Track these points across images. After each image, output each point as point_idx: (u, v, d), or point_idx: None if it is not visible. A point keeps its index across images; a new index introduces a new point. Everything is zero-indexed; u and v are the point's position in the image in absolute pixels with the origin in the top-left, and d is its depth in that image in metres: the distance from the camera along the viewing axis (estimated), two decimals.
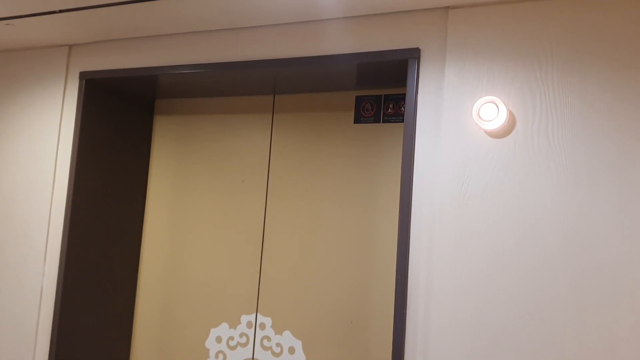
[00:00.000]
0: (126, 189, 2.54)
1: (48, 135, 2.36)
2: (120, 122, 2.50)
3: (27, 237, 2.34)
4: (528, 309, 1.54)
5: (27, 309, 2.30)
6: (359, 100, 2.24)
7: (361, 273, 2.15)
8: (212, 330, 2.40)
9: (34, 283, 2.30)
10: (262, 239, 2.35)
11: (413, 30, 1.80)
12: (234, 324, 2.37)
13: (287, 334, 2.25)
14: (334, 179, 2.24)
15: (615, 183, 1.50)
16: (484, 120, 1.61)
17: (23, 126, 2.43)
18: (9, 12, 2.06)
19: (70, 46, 2.39)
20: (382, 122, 2.19)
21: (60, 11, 2.02)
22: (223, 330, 2.38)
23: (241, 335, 2.35)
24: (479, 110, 1.62)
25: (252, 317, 2.33)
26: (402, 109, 2.17)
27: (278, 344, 2.27)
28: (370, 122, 2.21)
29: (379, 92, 2.22)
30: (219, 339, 2.39)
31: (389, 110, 2.19)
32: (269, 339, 2.29)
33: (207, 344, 2.41)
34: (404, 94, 2.16)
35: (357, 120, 2.23)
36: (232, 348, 2.36)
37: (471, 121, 1.67)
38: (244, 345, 2.34)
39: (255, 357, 2.32)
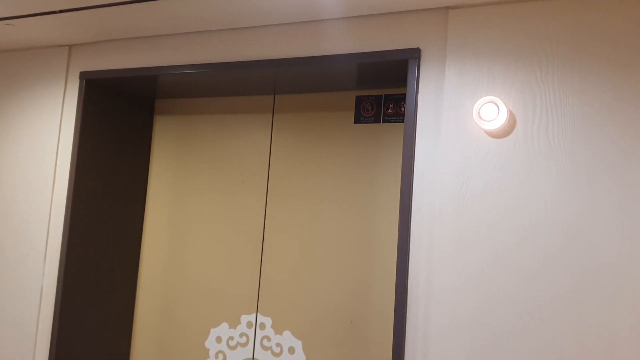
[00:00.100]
0: (126, 189, 2.54)
1: (48, 135, 2.36)
2: (120, 122, 2.50)
3: (27, 237, 2.34)
4: (528, 309, 1.54)
5: (27, 309, 2.30)
6: (359, 100, 2.24)
7: (361, 273, 2.15)
8: (212, 330, 2.40)
9: (34, 283, 2.30)
10: (262, 239, 2.35)
11: (413, 30, 1.80)
12: (234, 324, 2.37)
13: (287, 334, 2.25)
14: (334, 179, 2.24)
15: (615, 183, 1.50)
16: (484, 121, 1.61)
17: (23, 126, 2.43)
18: (9, 12, 2.06)
19: (71, 46, 2.39)
20: (383, 122, 2.19)
21: (61, 11, 2.02)
22: (223, 330, 2.38)
23: (241, 335, 2.35)
24: (479, 110, 1.62)
25: (252, 317, 2.33)
26: (403, 109, 2.17)
27: (278, 344, 2.27)
28: (371, 122, 2.21)
29: (379, 92, 2.22)
30: (219, 339, 2.39)
31: (389, 110, 2.19)
32: (269, 339, 2.29)
33: (207, 344, 2.41)
34: (404, 94, 2.16)
35: (358, 120, 2.24)
36: (232, 348, 2.36)
37: (471, 121, 1.67)
38: (244, 345, 2.34)
39: (255, 357, 2.32)
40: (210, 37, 2.12)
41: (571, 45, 1.59)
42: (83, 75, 2.32)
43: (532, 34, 1.63)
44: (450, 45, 1.73)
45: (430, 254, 1.68)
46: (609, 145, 1.52)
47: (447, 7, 1.76)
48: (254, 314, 2.33)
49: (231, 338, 2.36)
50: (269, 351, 2.29)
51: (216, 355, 2.38)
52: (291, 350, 2.24)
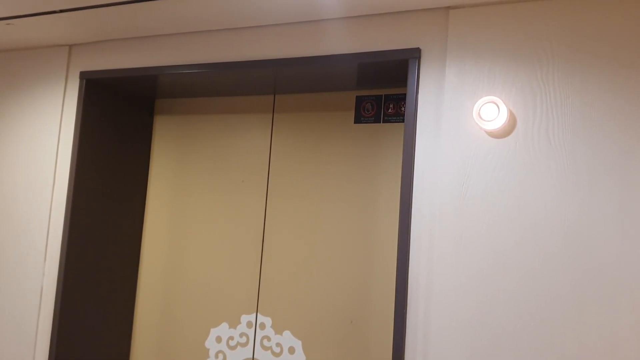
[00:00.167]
0: (126, 189, 2.54)
1: (48, 135, 2.36)
2: (120, 122, 2.50)
3: (27, 237, 2.34)
4: (528, 309, 1.54)
5: (27, 309, 2.29)
6: (359, 100, 2.24)
7: (361, 273, 2.15)
8: (212, 330, 2.40)
9: (34, 283, 2.29)
10: (262, 239, 2.35)
11: (413, 30, 1.80)
12: (234, 324, 2.37)
13: (287, 334, 2.25)
14: (334, 179, 2.24)
15: (616, 183, 1.50)
16: (484, 120, 1.61)
17: (23, 126, 2.43)
18: (9, 12, 2.06)
19: (71, 46, 2.39)
20: (383, 122, 2.19)
21: (61, 11, 2.02)
22: (223, 330, 2.38)
23: (241, 335, 2.35)
24: (479, 110, 1.62)
25: (252, 317, 2.33)
26: (403, 109, 2.17)
27: (278, 344, 2.27)
28: (371, 122, 2.21)
29: (379, 92, 2.22)
30: (219, 339, 2.39)
31: (390, 110, 2.19)
32: (269, 338, 2.29)
33: (207, 343, 2.41)
34: (405, 94, 2.16)
35: (358, 120, 2.23)
36: (232, 348, 2.36)
37: (472, 121, 1.67)
38: (244, 345, 2.34)
39: (255, 357, 2.32)
40: (210, 37, 2.12)
41: (572, 45, 1.59)
42: (83, 75, 2.32)
43: (533, 34, 1.63)
44: (450, 45, 1.73)
45: (431, 254, 1.68)
46: (610, 145, 1.52)
47: (448, 7, 1.76)
48: (254, 314, 2.33)
49: (231, 338, 2.36)
50: (269, 351, 2.28)
51: (216, 355, 2.38)
52: (291, 350, 2.24)
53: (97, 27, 2.17)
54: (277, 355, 2.27)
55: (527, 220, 1.57)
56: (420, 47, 1.78)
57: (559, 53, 1.60)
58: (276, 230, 2.33)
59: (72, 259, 2.27)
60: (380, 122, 2.20)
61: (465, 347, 1.60)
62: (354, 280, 2.16)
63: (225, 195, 2.45)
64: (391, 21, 1.84)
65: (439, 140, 1.71)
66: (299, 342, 2.23)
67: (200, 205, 2.50)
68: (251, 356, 2.32)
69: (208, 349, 2.40)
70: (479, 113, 1.62)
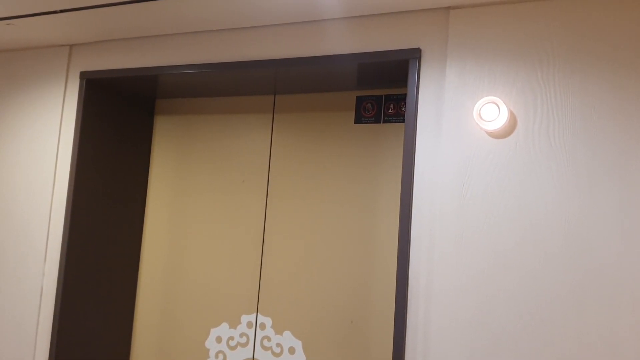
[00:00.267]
0: (126, 189, 2.54)
1: (48, 135, 2.36)
2: (120, 122, 2.50)
3: (27, 237, 2.34)
4: (529, 309, 1.54)
5: (27, 309, 2.29)
6: (360, 101, 2.24)
7: (361, 273, 2.15)
8: (212, 330, 2.40)
9: (34, 283, 2.29)
10: (262, 239, 2.35)
11: (414, 30, 1.80)
12: (234, 324, 2.37)
13: (287, 334, 2.25)
14: (335, 179, 2.24)
15: (616, 183, 1.50)
16: (485, 121, 1.61)
17: (23, 126, 2.43)
18: (9, 12, 2.06)
19: (71, 46, 2.39)
20: (383, 123, 2.19)
21: (61, 11, 2.02)
22: (223, 330, 2.38)
23: (241, 335, 2.35)
24: (480, 110, 1.62)
25: (252, 317, 2.33)
26: (403, 109, 2.17)
27: (278, 344, 2.27)
28: (371, 122, 2.21)
29: (379, 92, 2.22)
30: (219, 339, 2.39)
31: (390, 111, 2.19)
32: (269, 339, 2.29)
33: (207, 344, 2.41)
34: (405, 94, 2.16)
35: (358, 120, 2.23)
36: (232, 348, 2.36)
37: (472, 121, 1.67)
38: (244, 345, 2.34)
39: (255, 357, 2.32)
40: (210, 37, 2.12)
41: (572, 46, 1.59)
42: (83, 75, 2.32)
43: (533, 34, 1.63)
44: (451, 45, 1.73)
45: (431, 254, 1.68)
46: (610, 146, 1.52)
47: (448, 7, 1.76)
48: (254, 314, 2.33)
49: (231, 338, 2.36)
50: (269, 351, 2.28)
51: (216, 355, 2.38)
52: (291, 350, 2.24)
53: (97, 27, 2.17)
54: (277, 355, 2.27)
55: (527, 220, 1.57)
56: (421, 47, 1.78)
57: (559, 53, 1.60)
58: (276, 230, 2.33)
59: (72, 259, 2.27)
60: (380, 122, 2.20)
61: (465, 347, 1.60)
62: (354, 281, 2.16)
63: (225, 196, 2.45)
64: (391, 21, 1.84)
65: (440, 141, 1.71)
66: (299, 342, 2.23)
67: (201, 205, 2.50)
68: (251, 356, 2.32)
69: (208, 349, 2.40)
70: (479, 113, 1.62)
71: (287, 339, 2.25)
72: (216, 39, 2.11)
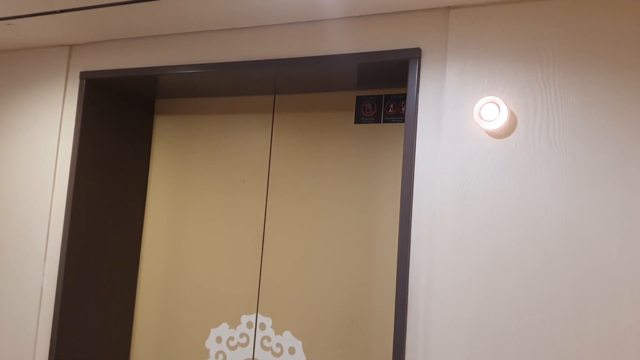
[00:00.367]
0: (126, 189, 2.54)
1: (48, 135, 2.36)
2: (120, 122, 2.50)
3: (27, 237, 2.34)
4: (529, 309, 1.54)
5: (27, 309, 2.29)
6: (360, 101, 2.24)
7: (362, 273, 2.15)
8: (212, 331, 2.40)
9: (34, 283, 2.29)
10: (262, 239, 2.35)
11: (414, 30, 1.80)
12: (234, 324, 2.37)
13: (287, 334, 2.25)
14: (335, 179, 2.24)
15: (616, 183, 1.50)
16: (485, 121, 1.61)
17: (23, 126, 2.43)
18: (9, 12, 2.06)
19: (71, 46, 2.39)
20: (383, 122, 2.19)
21: (61, 11, 2.02)
22: (223, 330, 2.38)
23: (241, 335, 2.35)
24: (480, 110, 1.62)
25: (252, 317, 2.33)
26: (403, 109, 2.17)
27: (278, 344, 2.27)
28: (371, 122, 2.21)
29: (379, 92, 2.22)
30: (219, 339, 2.38)
31: (390, 111, 2.19)
32: (269, 339, 2.29)
33: (207, 344, 2.41)
34: (405, 94, 2.16)
35: (358, 120, 2.23)
36: (232, 348, 2.36)
37: (472, 121, 1.67)
38: (244, 345, 2.34)
39: (255, 357, 2.32)
40: (210, 37, 2.12)
41: (572, 45, 1.59)
42: (83, 75, 2.32)
43: (533, 34, 1.63)
44: (451, 45, 1.73)
45: (431, 254, 1.68)
46: (610, 146, 1.52)
47: (448, 7, 1.76)
48: (254, 314, 2.33)
49: (231, 338, 2.36)
50: (269, 351, 2.28)
51: (216, 356, 2.38)
52: (291, 350, 2.24)
53: (97, 27, 2.17)
54: (277, 355, 2.27)
55: (527, 220, 1.57)
56: (421, 47, 1.78)
57: (559, 53, 1.60)
58: (276, 230, 2.33)
59: (72, 259, 2.27)
60: (380, 122, 2.20)
61: (465, 347, 1.60)
62: (354, 281, 2.16)
63: (225, 195, 2.45)
64: (391, 21, 1.84)
65: (440, 141, 1.71)
66: (299, 343, 2.23)
67: (201, 205, 2.50)
68: (251, 356, 2.32)
69: (208, 349, 2.40)
70: (479, 113, 1.62)
71: (287, 339, 2.25)
72: (216, 39, 2.11)
